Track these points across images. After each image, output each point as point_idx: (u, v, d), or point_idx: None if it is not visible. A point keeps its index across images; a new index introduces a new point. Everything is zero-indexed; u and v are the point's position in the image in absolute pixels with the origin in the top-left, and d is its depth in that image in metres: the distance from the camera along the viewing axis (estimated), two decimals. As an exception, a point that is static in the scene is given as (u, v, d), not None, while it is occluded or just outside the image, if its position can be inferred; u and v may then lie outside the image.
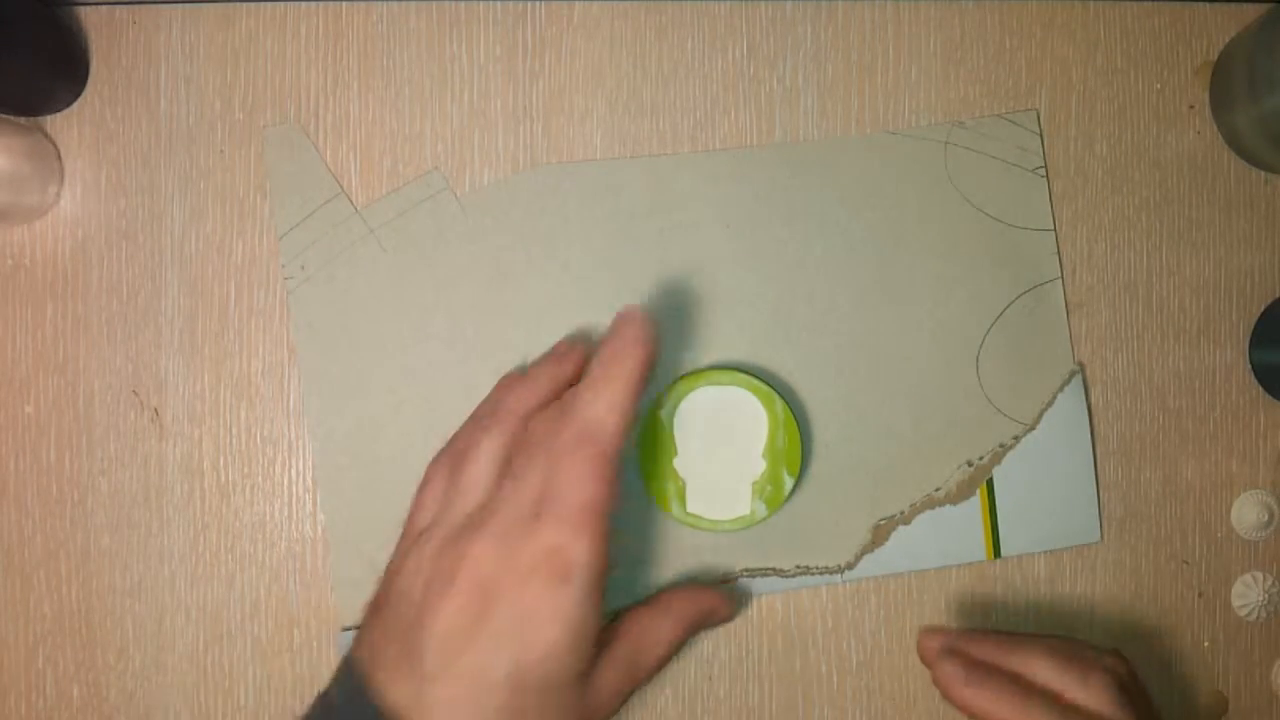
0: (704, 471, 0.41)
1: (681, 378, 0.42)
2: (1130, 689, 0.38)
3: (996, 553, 0.44)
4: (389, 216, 0.43)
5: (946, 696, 0.38)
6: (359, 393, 0.43)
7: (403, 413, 0.43)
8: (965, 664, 0.38)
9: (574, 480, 0.33)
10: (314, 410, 0.43)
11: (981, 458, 0.44)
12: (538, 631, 0.33)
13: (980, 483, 0.44)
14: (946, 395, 0.44)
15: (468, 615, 0.33)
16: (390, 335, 0.43)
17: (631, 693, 0.38)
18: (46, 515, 0.43)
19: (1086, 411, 0.45)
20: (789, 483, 0.42)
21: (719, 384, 0.41)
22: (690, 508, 0.41)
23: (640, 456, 0.42)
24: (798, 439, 0.41)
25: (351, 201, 0.43)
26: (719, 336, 0.44)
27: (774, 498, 0.41)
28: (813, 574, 0.44)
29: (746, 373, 0.42)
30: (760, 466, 0.41)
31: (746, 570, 0.44)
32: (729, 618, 0.42)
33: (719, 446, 0.41)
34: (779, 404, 0.41)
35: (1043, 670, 0.38)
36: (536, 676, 0.33)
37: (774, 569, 0.44)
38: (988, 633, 0.41)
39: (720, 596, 0.41)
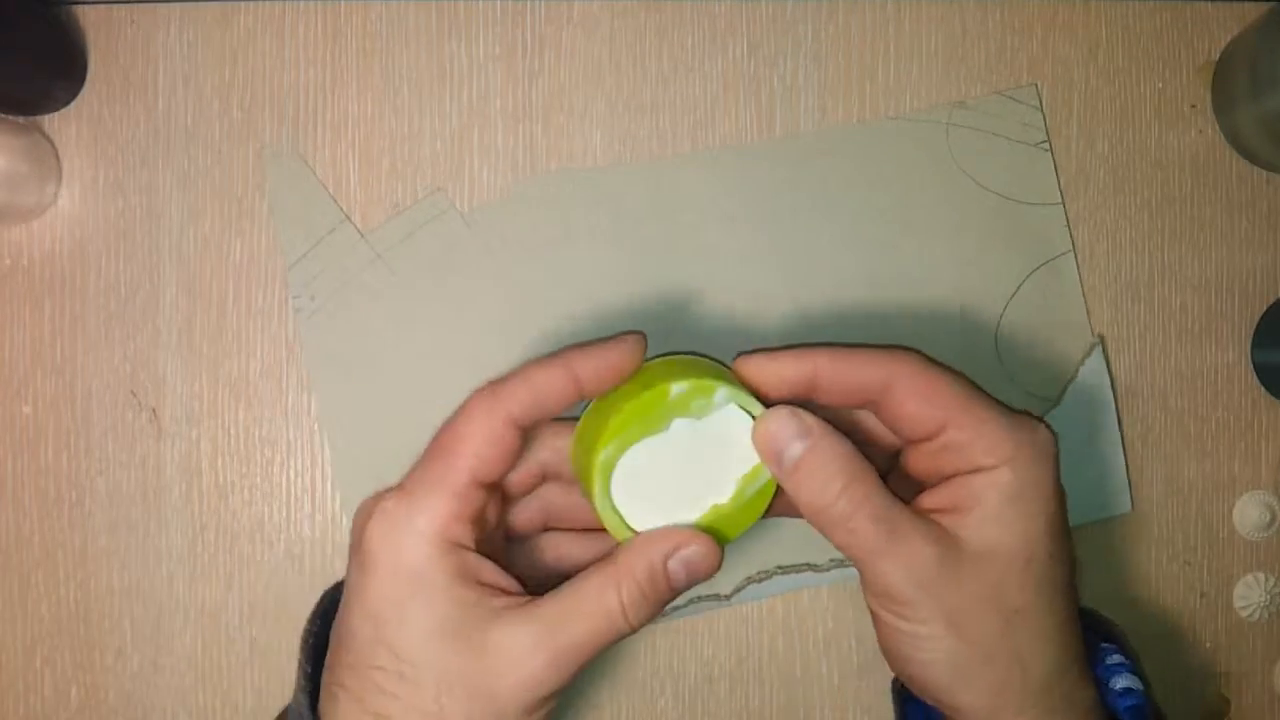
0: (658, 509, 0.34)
1: (611, 430, 0.32)
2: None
3: None
4: (395, 240, 0.43)
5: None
6: (379, 418, 0.43)
7: (426, 436, 0.43)
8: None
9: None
10: (335, 440, 0.43)
11: None
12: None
13: None
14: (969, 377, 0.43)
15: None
16: (407, 358, 0.43)
17: (559, 685, 0.32)
18: (44, 515, 0.43)
19: (1109, 382, 0.45)
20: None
21: (660, 431, 0.33)
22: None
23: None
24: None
25: (356, 227, 0.43)
26: (734, 336, 0.43)
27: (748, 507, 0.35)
28: (848, 566, 0.43)
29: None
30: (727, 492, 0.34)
31: (780, 567, 0.43)
32: (709, 569, 0.33)
33: (673, 490, 0.33)
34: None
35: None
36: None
37: (809, 564, 0.44)
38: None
39: (694, 535, 0.33)
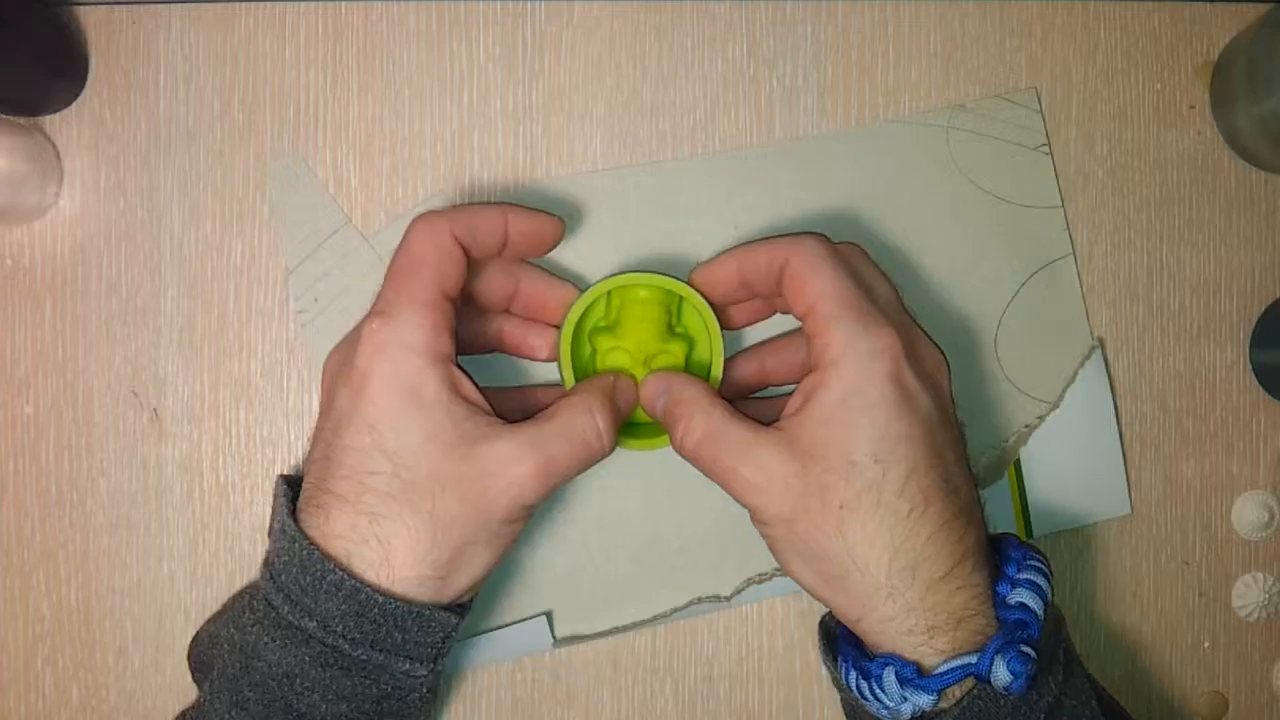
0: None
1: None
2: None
3: (1028, 533, 0.44)
4: (397, 242, 0.43)
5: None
6: None
7: None
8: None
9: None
10: None
11: (1007, 440, 0.44)
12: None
13: (1008, 465, 0.44)
14: (967, 380, 0.43)
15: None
16: None
17: (541, 496, 0.35)
18: (45, 515, 0.43)
19: (1109, 385, 0.45)
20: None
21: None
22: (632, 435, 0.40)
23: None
24: (715, 323, 0.40)
25: (358, 229, 0.43)
26: (732, 336, 0.43)
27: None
28: None
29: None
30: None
31: (779, 569, 0.43)
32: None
33: None
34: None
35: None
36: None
37: None
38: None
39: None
